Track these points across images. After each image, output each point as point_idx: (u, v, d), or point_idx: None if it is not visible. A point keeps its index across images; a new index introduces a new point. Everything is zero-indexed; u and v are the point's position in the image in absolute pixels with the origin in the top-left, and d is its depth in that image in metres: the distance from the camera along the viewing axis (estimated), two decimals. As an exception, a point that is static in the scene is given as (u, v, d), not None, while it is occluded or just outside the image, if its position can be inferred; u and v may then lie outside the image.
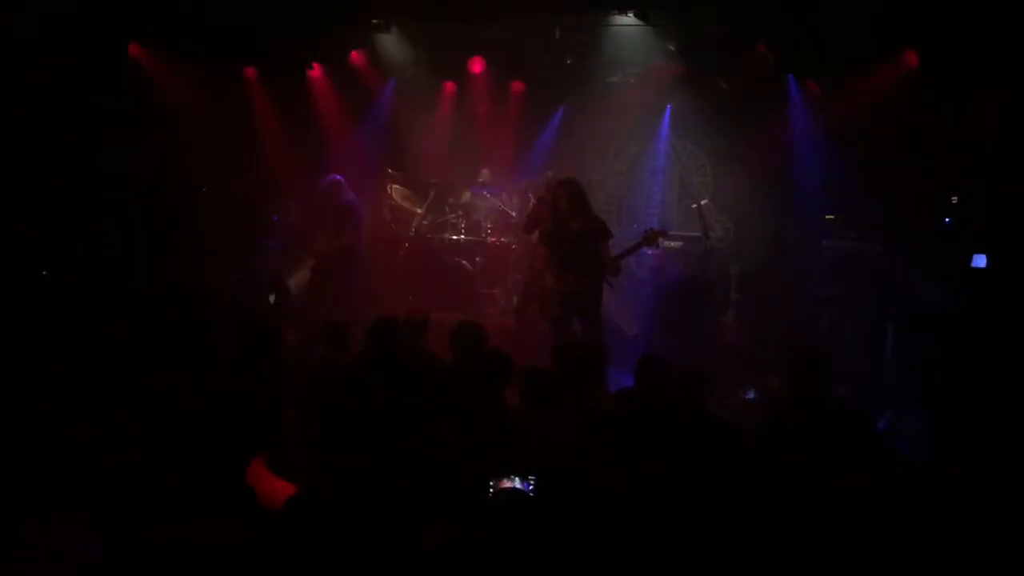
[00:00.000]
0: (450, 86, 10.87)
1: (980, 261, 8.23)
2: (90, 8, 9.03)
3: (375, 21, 9.98)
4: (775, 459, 4.29)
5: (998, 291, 7.84)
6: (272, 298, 8.49)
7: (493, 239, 10.18)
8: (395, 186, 10.54)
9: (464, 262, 10.19)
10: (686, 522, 3.40)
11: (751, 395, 6.05)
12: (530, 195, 10.17)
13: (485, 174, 10.53)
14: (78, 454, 4.23)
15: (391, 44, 10.41)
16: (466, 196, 10.52)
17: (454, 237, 10.27)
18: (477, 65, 10.35)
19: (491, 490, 3.47)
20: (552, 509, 3.38)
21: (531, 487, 3.46)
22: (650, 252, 9.16)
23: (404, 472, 3.82)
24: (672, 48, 9.75)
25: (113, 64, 9.74)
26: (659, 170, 10.93)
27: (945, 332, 7.62)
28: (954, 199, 8.68)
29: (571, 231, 6.97)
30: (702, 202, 9.69)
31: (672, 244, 9.50)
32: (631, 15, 9.32)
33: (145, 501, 3.84)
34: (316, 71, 10.59)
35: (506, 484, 3.48)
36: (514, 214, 10.28)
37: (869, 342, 8.25)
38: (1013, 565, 3.70)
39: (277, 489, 3.78)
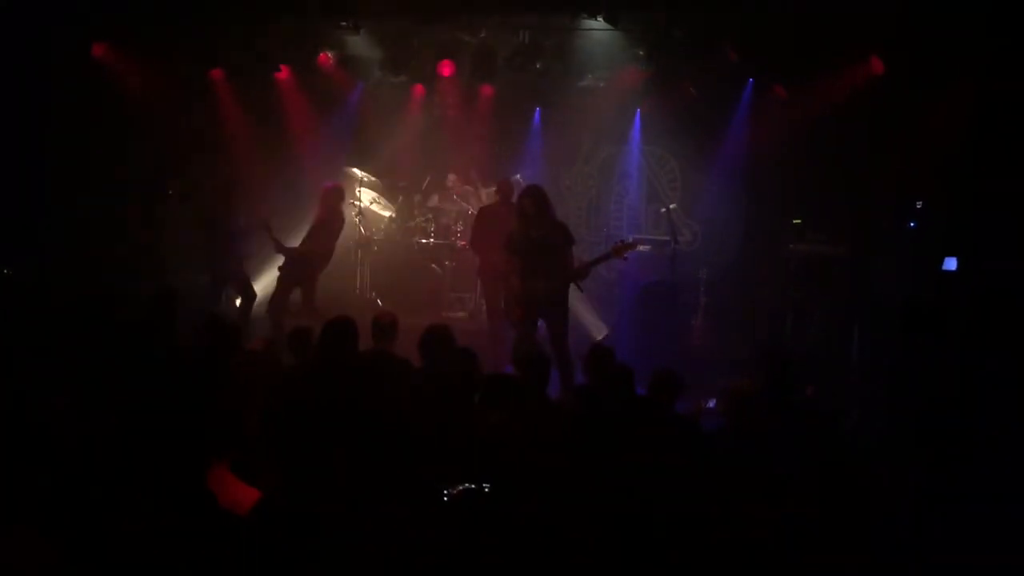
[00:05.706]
0: (419, 89, 10.82)
1: (951, 264, 8.32)
2: (53, 6, 8.93)
3: (343, 23, 9.89)
4: (743, 457, 4.30)
5: (963, 292, 7.93)
6: (238, 301, 8.41)
7: (462, 243, 10.16)
8: (364, 189, 10.49)
9: (433, 265, 10.15)
10: (648, 520, 3.40)
11: (711, 404, 6.03)
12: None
13: (452, 179, 10.51)
14: (36, 456, 4.15)
15: (360, 47, 10.35)
16: (435, 199, 10.49)
17: (423, 240, 10.22)
18: (446, 68, 10.31)
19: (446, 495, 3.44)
20: (511, 510, 3.37)
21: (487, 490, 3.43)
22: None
23: (368, 476, 3.79)
24: (641, 52, 9.78)
25: (77, 64, 9.62)
26: (629, 174, 10.99)
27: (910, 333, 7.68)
28: (918, 203, 8.77)
29: (536, 237, 7.04)
30: (671, 206, 9.73)
31: (641, 248, 9.53)
32: (600, 19, 9.33)
33: (105, 504, 3.77)
34: (283, 73, 10.51)
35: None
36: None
37: (835, 343, 8.31)
38: (972, 559, 3.74)
39: (240, 493, 3.73)
